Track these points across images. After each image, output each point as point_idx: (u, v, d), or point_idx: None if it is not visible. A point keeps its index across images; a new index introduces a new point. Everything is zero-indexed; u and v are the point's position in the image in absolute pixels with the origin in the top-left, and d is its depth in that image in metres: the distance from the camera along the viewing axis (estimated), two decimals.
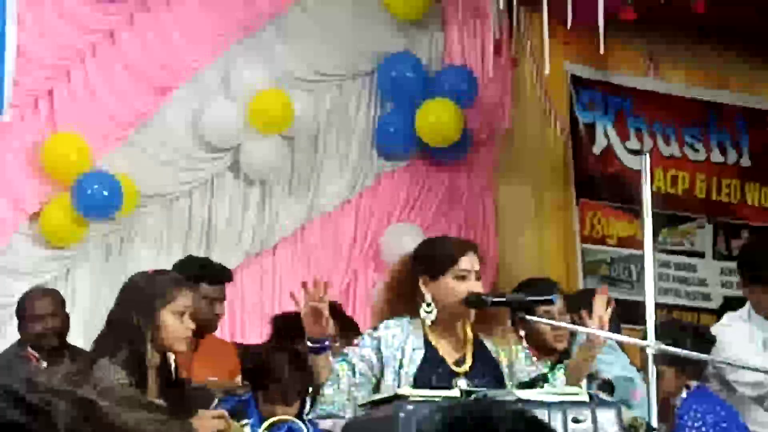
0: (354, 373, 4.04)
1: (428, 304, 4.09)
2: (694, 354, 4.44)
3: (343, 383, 4.03)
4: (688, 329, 4.96)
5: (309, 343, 4.09)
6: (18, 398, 0.89)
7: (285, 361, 4.60)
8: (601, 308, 4.27)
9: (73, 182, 6.63)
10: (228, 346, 5.76)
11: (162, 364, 4.23)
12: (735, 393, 5.00)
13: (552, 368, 4.22)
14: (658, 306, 4.39)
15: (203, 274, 5.44)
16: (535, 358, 4.26)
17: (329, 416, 4.05)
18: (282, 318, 5.60)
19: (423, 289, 4.11)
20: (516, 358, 4.17)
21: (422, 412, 3.62)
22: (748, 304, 5.16)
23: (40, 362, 5.53)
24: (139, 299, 4.23)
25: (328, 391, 4.04)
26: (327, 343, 4.08)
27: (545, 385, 4.02)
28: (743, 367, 4.77)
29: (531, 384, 4.05)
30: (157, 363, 4.20)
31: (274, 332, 5.68)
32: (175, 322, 4.20)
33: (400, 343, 4.06)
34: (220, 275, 5.63)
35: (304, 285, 4.14)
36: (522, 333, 4.35)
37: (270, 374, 4.58)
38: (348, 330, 5.36)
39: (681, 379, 4.77)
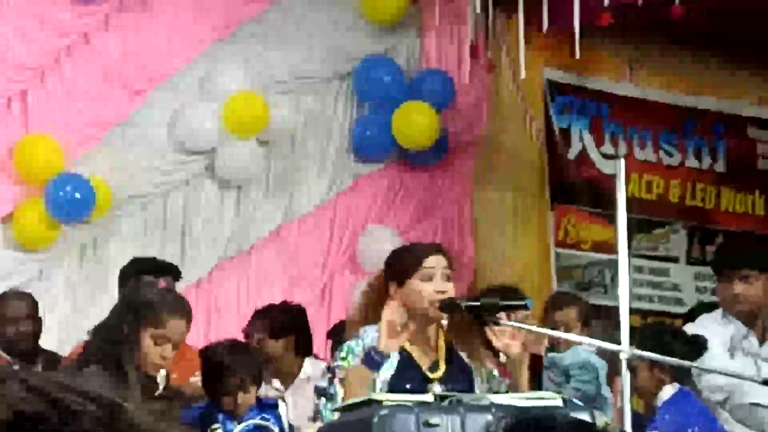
0: None
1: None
2: (670, 359, 4.45)
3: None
4: (679, 335, 4.96)
5: (373, 354, 4.00)
6: (50, 397, 0.90)
7: (226, 350, 4.65)
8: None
9: (46, 185, 6.60)
10: (186, 346, 5.75)
11: (143, 377, 4.20)
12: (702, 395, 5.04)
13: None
14: (631, 311, 4.40)
15: (148, 268, 5.41)
16: (500, 377, 4.24)
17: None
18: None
19: (393, 295, 4.11)
20: (486, 374, 4.18)
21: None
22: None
23: (12, 366, 5.49)
24: (131, 312, 4.20)
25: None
26: (383, 360, 4.00)
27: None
28: (733, 374, 4.79)
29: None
30: (134, 377, 4.18)
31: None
32: (151, 347, 4.17)
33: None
34: (165, 268, 5.60)
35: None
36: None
37: (217, 367, 4.62)
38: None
39: (656, 376, 4.77)
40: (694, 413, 4.75)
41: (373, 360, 4.00)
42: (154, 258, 5.89)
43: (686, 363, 4.53)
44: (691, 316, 6.58)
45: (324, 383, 4.08)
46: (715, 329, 5.09)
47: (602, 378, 5.39)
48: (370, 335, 4.09)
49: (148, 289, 4.41)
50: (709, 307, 5.48)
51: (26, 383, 0.93)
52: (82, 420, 0.89)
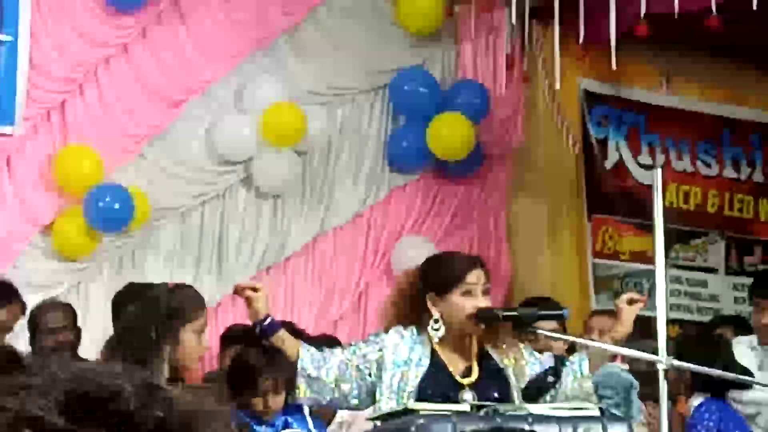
0: (347, 365, 4.06)
1: (436, 321, 4.09)
2: (705, 369, 4.42)
3: (331, 369, 4.06)
4: (730, 356, 4.92)
5: (257, 329, 4.20)
6: (91, 379, 0.94)
7: (259, 353, 4.66)
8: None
9: (85, 195, 6.64)
10: None
11: (171, 381, 4.22)
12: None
13: (559, 360, 4.22)
14: (669, 321, 4.38)
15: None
16: (537, 353, 4.25)
17: (314, 401, 4.15)
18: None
19: (431, 306, 4.10)
20: (522, 359, 4.16)
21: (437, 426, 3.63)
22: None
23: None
24: (160, 314, 4.20)
25: (314, 373, 4.09)
26: (268, 319, 4.17)
27: (558, 375, 4.07)
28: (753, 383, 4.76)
29: (540, 379, 4.06)
30: (166, 379, 4.19)
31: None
32: (195, 341, 4.19)
33: (405, 351, 4.06)
34: None
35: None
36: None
37: (253, 370, 4.62)
38: None
39: (682, 380, 4.74)
40: (727, 418, 4.72)
41: (263, 332, 4.20)
42: (151, 283, 5.87)
43: (724, 374, 4.50)
44: (711, 327, 6.54)
45: None
46: (743, 350, 5.07)
47: (633, 396, 5.37)
48: (397, 335, 4.09)
49: (169, 290, 4.39)
50: (729, 320, 5.46)
51: (67, 368, 0.96)
52: (125, 397, 0.91)
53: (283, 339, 4.16)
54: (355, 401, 4.10)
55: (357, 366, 4.06)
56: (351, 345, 4.20)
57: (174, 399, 0.96)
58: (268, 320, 4.16)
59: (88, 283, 6.79)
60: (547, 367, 4.14)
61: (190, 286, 4.52)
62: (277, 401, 4.63)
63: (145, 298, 4.37)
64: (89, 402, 0.92)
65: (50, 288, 6.58)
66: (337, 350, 4.16)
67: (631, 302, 4.30)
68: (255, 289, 4.20)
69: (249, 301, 4.19)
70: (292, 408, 4.70)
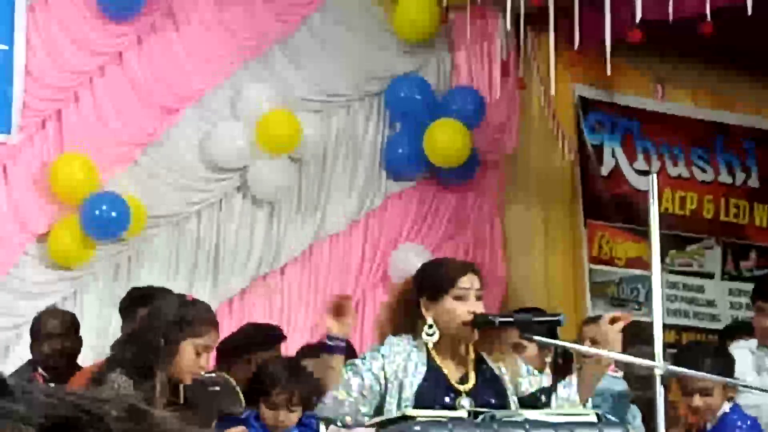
0: (362, 385, 4.03)
1: (430, 326, 4.08)
2: (703, 374, 4.43)
3: (353, 392, 4.03)
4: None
5: (327, 341, 4.05)
6: (75, 404, 0.95)
7: (281, 366, 4.62)
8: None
9: (80, 203, 6.64)
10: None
11: (170, 388, 4.21)
12: None
13: (555, 382, 4.20)
14: (666, 327, 4.38)
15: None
16: (535, 372, 4.25)
17: (336, 421, 4.07)
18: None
19: (424, 311, 4.09)
20: (518, 373, 4.16)
21: None
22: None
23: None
24: (169, 322, 4.20)
25: (340, 395, 4.04)
26: (343, 343, 4.05)
27: (550, 398, 4.04)
28: (754, 388, 4.77)
29: (533, 397, 4.06)
30: (165, 386, 4.18)
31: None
32: (192, 356, 4.18)
33: (402, 360, 4.06)
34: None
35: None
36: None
37: (270, 381, 4.58)
38: None
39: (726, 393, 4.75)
40: (757, 424, 4.73)
41: (327, 346, 4.04)
42: (151, 286, 5.87)
43: (725, 379, 4.51)
44: (726, 333, 6.55)
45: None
46: (745, 353, 5.08)
47: (626, 404, 5.37)
48: (393, 346, 4.07)
49: (184, 301, 4.40)
50: (744, 326, 5.46)
51: (49, 394, 0.97)
52: (107, 422, 0.92)
53: (335, 367, 4.06)
54: (366, 419, 4.08)
55: (371, 386, 4.04)
56: (356, 363, 4.11)
57: (160, 424, 0.97)
58: (343, 342, 4.05)
59: (84, 291, 6.78)
60: (542, 387, 4.15)
61: (208, 305, 4.50)
62: (290, 417, 4.58)
63: (157, 303, 4.39)
64: (71, 427, 0.92)
65: (45, 297, 6.57)
66: (357, 380, 4.08)
67: (613, 321, 4.19)
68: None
69: (345, 314, 4.02)
70: (307, 426, 4.66)
